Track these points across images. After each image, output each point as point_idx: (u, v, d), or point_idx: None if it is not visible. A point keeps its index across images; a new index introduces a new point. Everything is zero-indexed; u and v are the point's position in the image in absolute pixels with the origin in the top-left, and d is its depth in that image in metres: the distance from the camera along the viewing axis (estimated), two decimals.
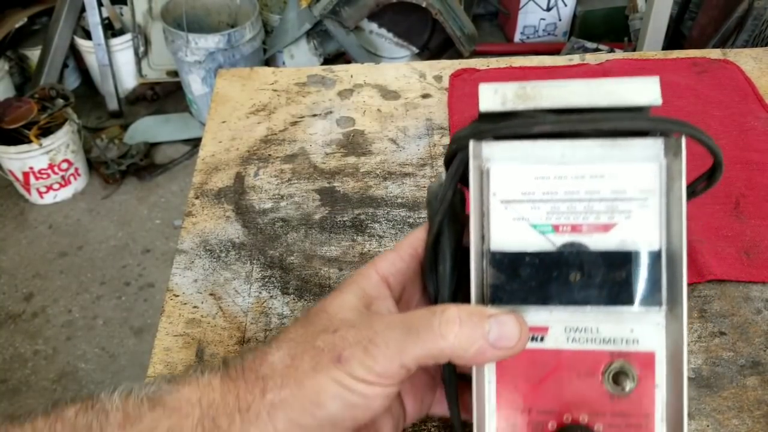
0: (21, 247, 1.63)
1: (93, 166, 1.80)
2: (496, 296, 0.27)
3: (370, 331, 0.26)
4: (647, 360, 0.26)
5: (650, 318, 0.26)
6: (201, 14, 1.82)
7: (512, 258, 0.26)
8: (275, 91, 0.69)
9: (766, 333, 0.44)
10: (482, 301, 0.27)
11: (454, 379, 0.30)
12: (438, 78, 0.70)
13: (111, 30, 1.94)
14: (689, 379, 0.42)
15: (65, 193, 1.74)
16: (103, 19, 1.86)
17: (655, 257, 0.26)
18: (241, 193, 0.58)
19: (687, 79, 0.67)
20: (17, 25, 1.91)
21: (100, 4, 1.84)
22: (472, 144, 0.27)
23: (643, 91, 0.25)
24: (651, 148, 0.26)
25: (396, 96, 0.68)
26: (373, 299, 0.29)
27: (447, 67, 0.71)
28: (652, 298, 0.26)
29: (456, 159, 0.28)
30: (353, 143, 0.63)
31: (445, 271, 0.29)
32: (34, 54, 1.92)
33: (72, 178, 1.73)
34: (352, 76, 0.71)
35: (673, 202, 0.26)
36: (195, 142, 1.85)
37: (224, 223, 0.55)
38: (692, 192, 0.28)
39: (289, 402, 0.25)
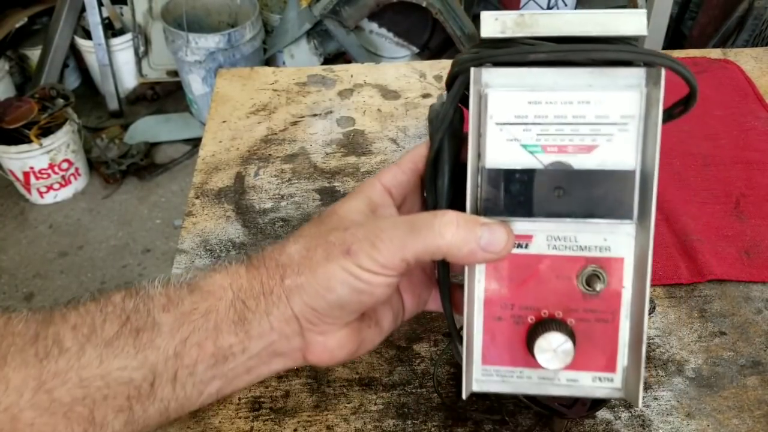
0: (21, 246, 1.63)
1: (93, 165, 1.80)
2: (488, 208, 0.30)
3: (377, 228, 0.29)
4: (617, 265, 0.30)
5: (622, 229, 0.29)
6: (201, 14, 1.82)
7: (504, 174, 0.29)
8: (275, 90, 0.69)
9: (766, 333, 0.44)
10: (476, 212, 0.30)
11: (448, 279, 0.33)
12: (438, 78, 0.70)
13: (111, 30, 1.93)
14: (690, 378, 0.42)
15: (65, 193, 1.74)
16: (103, 19, 1.86)
17: (631, 176, 0.29)
18: (241, 192, 0.58)
19: None
20: (17, 25, 1.90)
21: (100, 4, 1.84)
22: (472, 71, 0.29)
23: (630, 23, 0.28)
24: (634, 77, 0.28)
25: (396, 96, 0.68)
26: (377, 206, 0.32)
27: (447, 66, 0.71)
28: (625, 211, 0.29)
29: (457, 81, 0.30)
30: (353, 143, 0.63)
31: (443, 184, 0.32)
32: (34, 54, 1.91)
33: (72, 178, 1.73)
34: (352, 76, 0.71)
35: (650, 126, 0.28)
36: (195, 142, 1.85)
37: (224, 223, 0.55)
38: (669, 116, 0.31)
39: (304, 287, 0.29)
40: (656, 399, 0.41)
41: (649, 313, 0.34)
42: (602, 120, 0.28)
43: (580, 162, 0.29)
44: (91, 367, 0.26)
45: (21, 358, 0.26)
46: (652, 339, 0.44)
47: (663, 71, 0.27)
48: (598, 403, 0.36)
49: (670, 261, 0.49)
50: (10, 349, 0.26)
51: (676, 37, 1.70)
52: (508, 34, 0.29)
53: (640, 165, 0.29)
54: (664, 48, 1.55)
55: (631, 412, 0.40)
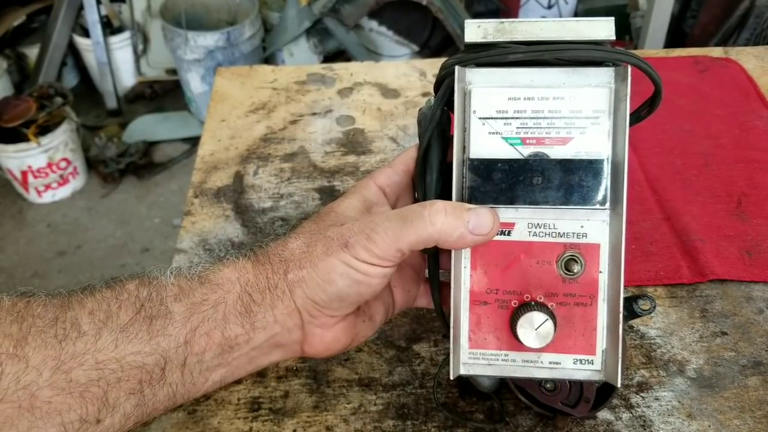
0: (19, 246, 1.63)
1: (92, 164, 1.80)
2: (473, 196, 0.32)
3: (372, 222, 0.30)
4: (593, 250, 0.32)
5: (597, 216, 0.31)
6: (200, 12, 1.81)
7: (487, 164, 0.31)
8: (275, 89, 0.69)
9: (767, 333, 0.44)
10: (462, 200, 0.32)
11: (437, 270, 0.35)
12: None
13: (110, 28, 1.93)
14: (691, 379, 0.42)
15: (64, 192, 1.73)
16: (101, 17, 1.85)
17: (603, 165, 0.31)
18: (240, 192, 0.57)
19: (689, 77, 0.67)
20: (16, 23, 1.90)
21: (98, 2, 1.84)
22: (457, 69, 0.31)
23: (601, 29, 0.30)
24: (604, 75, 0.31)
25: (396, 94, 0.68)
26: (372, 204, 0.34)
27: None
28: (599, 199, 0.31)
29: (444, 83, 0.33)
30: (353, 142, 0.62)
31: (431, 179, 0.34)
32: (32, 52, 1.91)
33: (70, 177, 1.73)
34: (352, 75, 0.70)
35: (619, 120, 0.31)
36: (194, 141, 1.84)
37: (223, 222, 0.54)
38: (638, 117, 0.33)
39: (306, 280, 0.30)
40: (657, 399, 0.41)
41: (650, 313, 0.34)
42: (576, 114, 0.31)
43: (557, 153, 0.31)
44: (106, 350, 0.27)
45: (41, 339, 0.27)
46: (653, 339, 0.44)
47: (629, 69, 0.30)
48: (600, 402, 0.36)
49: (671, 261, 0.49)
50: (31, 330, 0.27)
51: (677, 35, 1.70)
52: (490, 39, 0.31)
53: (611, 155, 0.31)
54: (665, 46, 1.55)
55: (632, 412, 0.40)
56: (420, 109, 0.35)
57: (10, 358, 0.26)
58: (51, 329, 0.27)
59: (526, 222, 0.32)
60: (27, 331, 0.27)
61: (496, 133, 0.31)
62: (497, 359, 0.33)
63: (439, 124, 0.34)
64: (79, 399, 0.27)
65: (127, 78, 1.99)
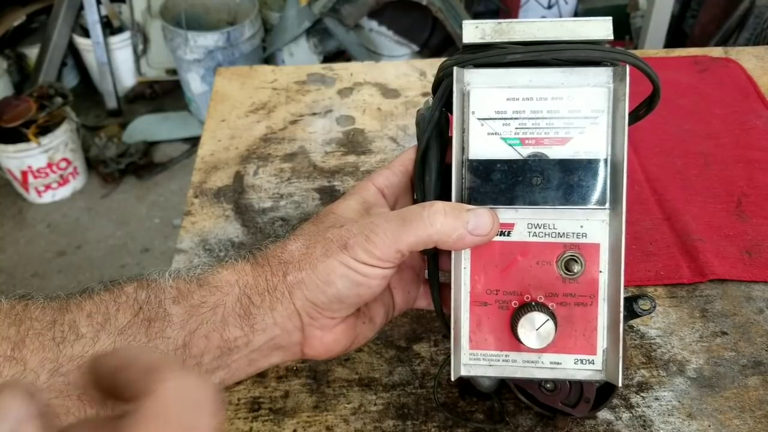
0: (19, 246, 1.63)
1: (92, 164, 1.80)
2: (472, 197, 0.32)
3: (371, 224, 0.30)
4: (593, 250, 0.32)
5: (597, 216, 0.31)
6: (200, 12, 1.81)
7: (486, 165, 0.32)
8: (275, 89, 0.69)
9: (767, 333, 0.44)
10: (461, 201, 0.32)
11: (437, 271, 0.35)
12: None
13: (110, 28, 1.93)
14: (691, 379, 0.42)
15: (64, 192, 1.73)
16: (101, 17, 1.85)
17: (602, 165, 0.31)
18: (240, 192, 0.57)
19: (688, 77, 0.67)
20: (16, 24, 1.90)
21: (98, 2, 1.84)
22: (455, 70, 0.31)
23: (598, 28, 0.30)
24: (602, 75, 0.31)
25: (396, 94, 0.68)
26: (371, 205, 0.34)
27: None
28: (598, 199, 0.31)
29: (442, 84, 0.33)
30: (353, 142, 0.62)
31: (430, 180, 0.34)
32: (32, 52, 1.91)
33: (70, 177, 1.73)
34: (352, 75, 0.70)
35: (618, 119, 0.31)
36: (194, 141, 1.84)
37: (223, 222, 0.54)
38: (636, 117, 0.33)
39: (305, 282, 0.30)
40: (657, 399, 0.41)
41: (650, 313, 0.34)
42: (574, 114, 0.31)
43: (556, 153, 0.31)
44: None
45: (39, 341, 0.27)
46: (654, 339, 0.44)
47: (628, 68, 0.30)
48: (600, 402, 0.36)
49: (671, 261, 0.49)
50: (29, 333, 0.27)
51: (677, 35, 1.70)
52: (488, 40, 0.31)
53: (611, 155, 0.31)
54: (665, 46, 1.55)
55: (632, 412, 0.40)
56: (418, 111, 0.34)
57: (7, 361, 0.26)
58: (49, 332, 0.27)
59: (526, 222, 0.32)
60: (25, 334, 0.27)
61: (495, 133, 0.31)
62: (498, 360, 0.33)
63: (437, 125, 0.34)
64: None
65: (127, 78, 1.99)
